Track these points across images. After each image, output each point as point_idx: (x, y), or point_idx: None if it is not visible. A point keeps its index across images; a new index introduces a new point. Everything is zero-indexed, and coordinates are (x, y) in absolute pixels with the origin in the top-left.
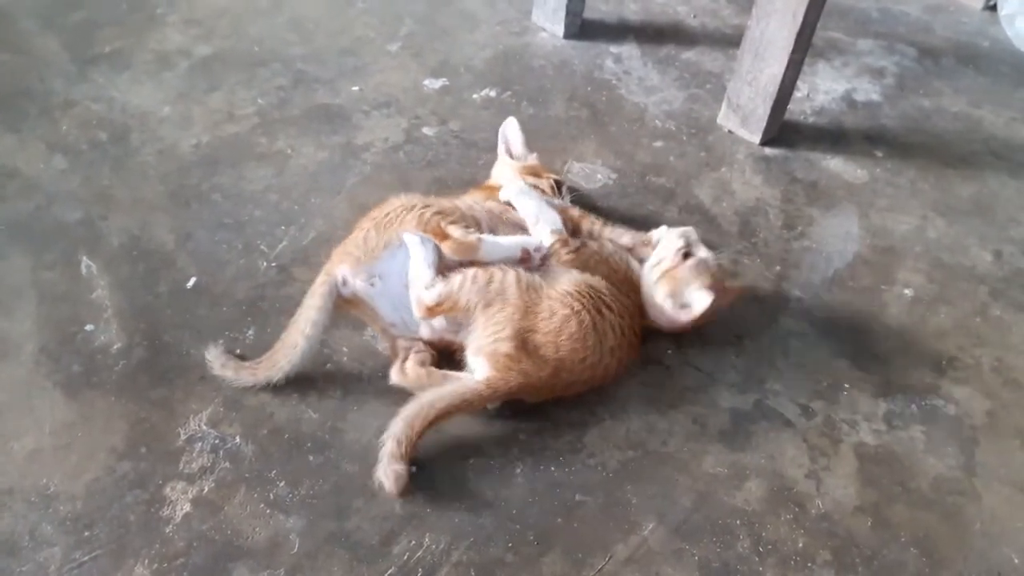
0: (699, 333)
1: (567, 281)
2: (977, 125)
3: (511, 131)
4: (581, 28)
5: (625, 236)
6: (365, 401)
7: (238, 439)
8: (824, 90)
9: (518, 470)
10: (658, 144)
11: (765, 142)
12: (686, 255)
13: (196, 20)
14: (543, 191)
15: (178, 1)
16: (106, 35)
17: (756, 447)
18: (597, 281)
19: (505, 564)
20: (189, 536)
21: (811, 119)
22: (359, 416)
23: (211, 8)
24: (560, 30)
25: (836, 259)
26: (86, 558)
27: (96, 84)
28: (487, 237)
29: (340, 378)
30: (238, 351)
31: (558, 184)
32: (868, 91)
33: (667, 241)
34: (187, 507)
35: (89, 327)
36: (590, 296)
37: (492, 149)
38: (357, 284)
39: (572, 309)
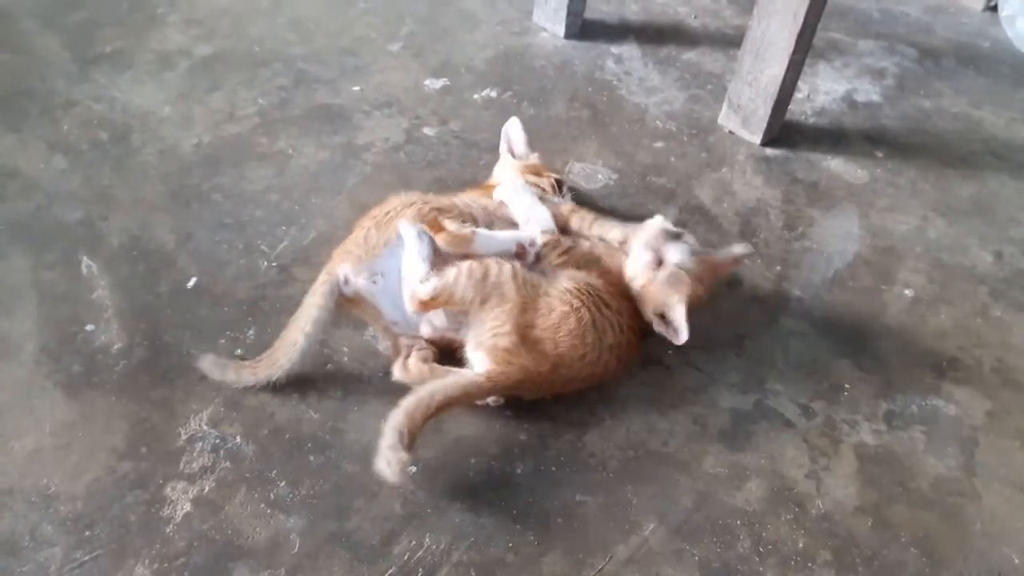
0: (699, 333)
1: (565, 279)
2: (977, 126)
3: (514, 131)
4: (582, 28)
5: (615, 230)
6: (366, 401)
7: (239, 439)
8: (825, 91)
9: (519, 470)
10: (659, 144)
11: (766, 143)
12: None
13: (197, 20)
14: (543, 189)
15: (179, 1)
16: (107, 35)
17: (756, 447)
18: (594, 279)
19: (506, 564)
20: (190, 536)
21: (812, 120)
22: (360, 416)
23: (212, 8)
24: (561, 30)
25: (837, 259)
26: (87, 558)
27: (97, 84)
28: (481, 230)
29: (341, 378)
30: (238, 351)
31: (559, 183)
32: (869, 92)
33: (636, 255)
34: (188, 507)
35: (89, 327)
36: (589, 293)
37: (493, 149)
38: (359, 282)
39: (571, 306)
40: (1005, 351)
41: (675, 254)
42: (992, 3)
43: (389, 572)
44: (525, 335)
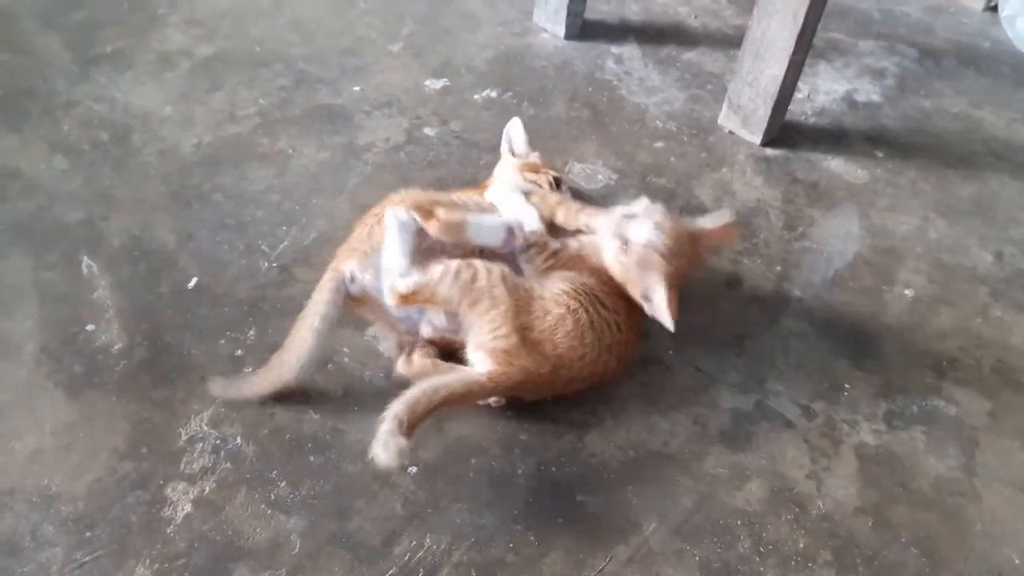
0: (700, 333)
1: (559, 280)
2: (978, 126)
3: (515, 131)
4: (582, 29)
5: (602, 218)
6: (366, 402)
7: (239, 439)
8: (825, 91)
9: (519, 470)
10: (659, 145)
11: (766, 143)
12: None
13: (198, 20)
14: (540, 186)
15: (179, 1)
16: (108, 35)
17: (757, 448)
18: (588, 279)
19: (506, 564)
20: (190, 536)
21: (812, 120)
22: (360, 416)
23: (213, 8)
24: (561, 31)
25: (837, 259)
26: (87, 558)
27: (98, 84)
28: (473, 216)
29: (341, 378)
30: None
31: (556, 180)
32: (869, 92)
33: (606, 245)
34: (188, 507)
35: (90, 327)
36: (585, 294)
37: (493, 150)
38: (365, 279)
39: (568, 308)
40: (1006, 351)
41: (637, 234)
42: (992, 3)
43: (390, 572)
44: (524, 337)
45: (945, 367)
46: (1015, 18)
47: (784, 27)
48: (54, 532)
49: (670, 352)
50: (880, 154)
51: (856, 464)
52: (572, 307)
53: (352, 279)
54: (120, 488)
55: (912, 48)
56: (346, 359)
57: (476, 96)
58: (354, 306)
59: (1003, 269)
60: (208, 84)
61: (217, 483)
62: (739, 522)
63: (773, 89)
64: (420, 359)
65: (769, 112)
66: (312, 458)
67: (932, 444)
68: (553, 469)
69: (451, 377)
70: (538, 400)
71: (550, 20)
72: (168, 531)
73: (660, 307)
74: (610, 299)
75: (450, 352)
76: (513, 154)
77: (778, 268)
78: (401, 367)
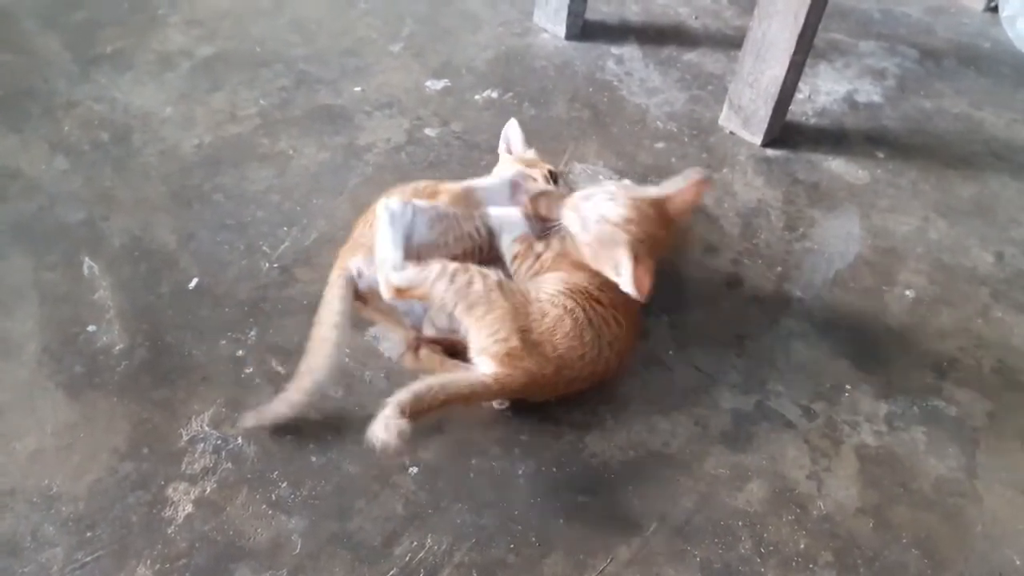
0: (701, 334)
1: (552, 281)
2: (978, 126)
3: (512, 132)
4: (583, 29)
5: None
6: (367, 402)
7: (240, 440)
8: (825, 91)
9: (520, 471)
10: (660, 145)
11: (766, 143)
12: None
13: (198, 21)
14: (535, 179)
15: (180, 2)
16: (108, 35)
17: (757, 448)
18: (580, 277)
19: (507, 565)
20: (191, 537)
21: (812, 120)
22: (362, 417)
23: (213, 9)
24: (562, 31)
25: (837, 260)
26: (88, 559)
27: (98, 84)
28: (476, 181)
29: (342, 379)
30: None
31: (552, 173)
32: (869, 92)
33: (574, 232)
34: (189, 508)
35: (91, 328)
36: (579, 293)
37: (494, 150)
38: (373, 273)
39: (564, 308)
40: (1006, 352)
41: (591, 211)
42: (993, 4)
43: (391, 573)
44: (524, 339)
45: (946, 368)
46: (1015, 18)
47: (785, 28)
48: (55, 532)
49: (671, 352)
50: (881, 155)
51: (857, 465)
52: (569, 307)
53: (359, 275)
54: (121, 488)
55: (913, 49)
56: (347, 359)
57: (477, 97)
58: (361, 306)
59: (1003, 270)
60: (209, 84)
61: (218, 483)
62: (740, 523)
63: (774, 90)
64: (427, 353)
65: (770, 113)
66: (313, 458)
67: (933, 445)
68: (554, 469)
69: (458, 376)
70: (540, 401)
71: (551, 20)
72: (169, 531)
73: (625, 277)
74: (604, 294)
75: (453, 352)
76: (511, 155)
77: (779, 268)
78: (408, 361)
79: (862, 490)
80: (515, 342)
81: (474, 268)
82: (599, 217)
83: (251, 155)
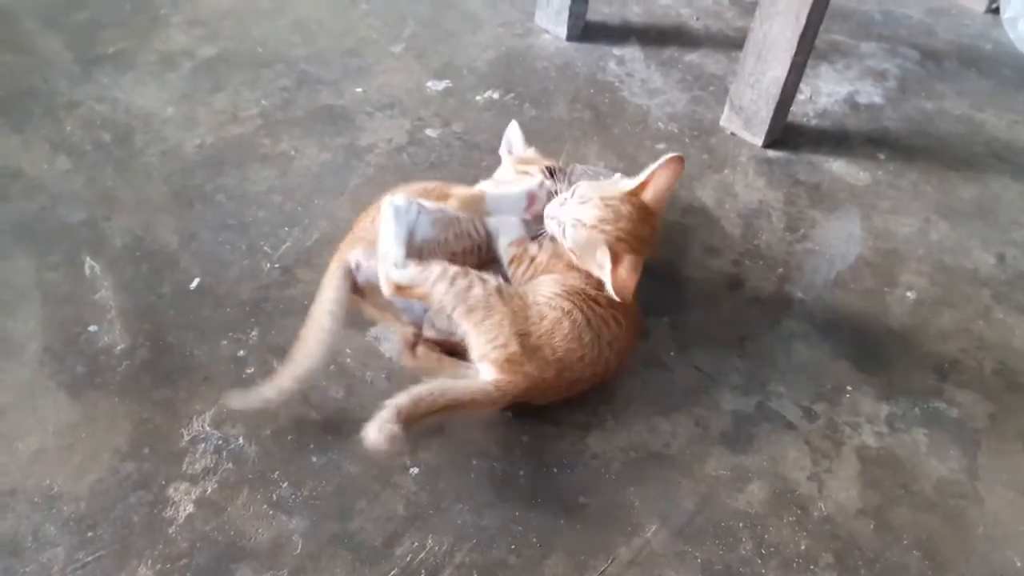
0: (701, 335)
1: (550, 283)
2: (979, 128)
3: (513, 134)
4: (584, 30)
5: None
6: (368, 403)
7: (241, 440)
8: (827, 92)
9: (521, 472)
10: (661, 146)
11: (768, 144)
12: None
13: (200, 21)
14: (531, 175)
15: (182, 2)
16: (109, 36)
17: (758, 449)
18: (576, 279)
19: (508, 566)
20: (192, 537)
21: (814, 121)
22: (362, 417)
23: (215, 9)
24: (563, 32)
25: (838, 261)
26: (89, 559)
27: (100, 85)
28: (491, 190)
29: (343, 379)
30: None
31: (550, 170)
32: (871, 93)
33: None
34: (190, 508)
35: (93, 328)
36: (576, 294)
37: (495, 151)
38: (371, 267)
39: (562, 310)
40: (1007, 354)
41: (566, 216)
42: (994, 5)
43: (391, 573)
44: (523, 344)
45: (947, 369)
46: (1017, 20)
47: (786, 29)
48: (56, 532)
49: (671, 353)
50: (882, 156)
51: (858, 466)
52: (566, 309)
53: (358, 267)
54: (122, 488)
55: (914, 50)
56: (348, 360)
57: (478, 97)
58: (359, 300)
59: (1005, 271)
60: (210, 85)
61: (219, 483)
62: (741, 524)
63: (775, 91)
64: (425, 351)
65: (771, 114)
66: (314, 459)
67: (934, 446)
68: (555, 470)
69: (459, 383)
70: (543, 404)
71: (552, 21)
72: (170, 531)
73: (604, 275)
74: (602, 294)
75: (453, 353)
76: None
77: (780, 270)
78: (405, 359)
79: (863, 491)
80: (514, 347)
81: (474, 273)
82: (574, 221)
83: (253, 155)
